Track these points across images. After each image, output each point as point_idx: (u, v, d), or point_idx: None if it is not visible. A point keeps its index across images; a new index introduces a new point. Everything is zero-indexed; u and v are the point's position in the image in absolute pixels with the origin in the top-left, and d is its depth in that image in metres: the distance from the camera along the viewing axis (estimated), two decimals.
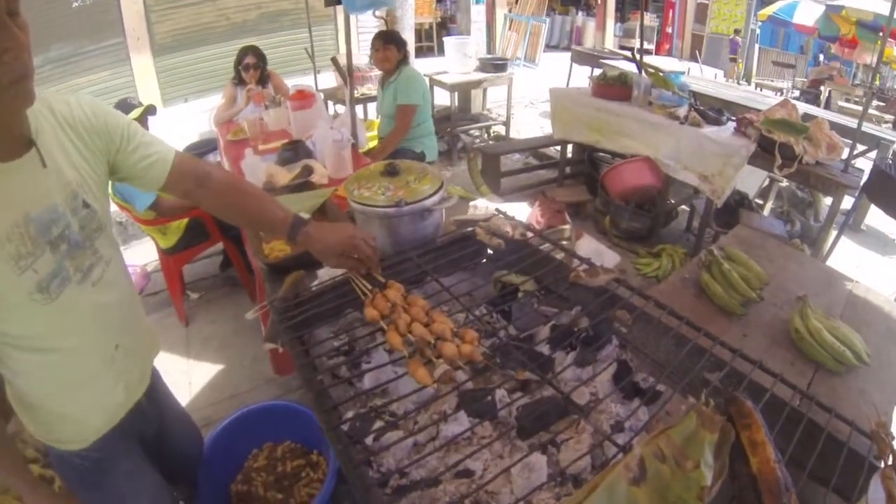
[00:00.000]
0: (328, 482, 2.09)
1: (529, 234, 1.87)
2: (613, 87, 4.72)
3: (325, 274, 1.88)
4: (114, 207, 4.13)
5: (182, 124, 7.09)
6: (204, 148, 6.20)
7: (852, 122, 4.65)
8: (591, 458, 1.20)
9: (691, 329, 1.41)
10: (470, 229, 1.92)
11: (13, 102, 1.06)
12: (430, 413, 1.35)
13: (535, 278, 1.71)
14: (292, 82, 5.15)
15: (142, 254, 4.84)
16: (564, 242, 3.24)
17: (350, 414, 1.32)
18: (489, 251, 1.91)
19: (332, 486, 2.07)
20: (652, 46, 13.39)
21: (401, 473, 1.18)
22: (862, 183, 3.55)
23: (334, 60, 4.56)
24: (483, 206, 4.41)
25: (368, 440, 1.25)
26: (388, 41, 4.21)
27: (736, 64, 11.15)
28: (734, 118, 4.15)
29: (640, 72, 4.75)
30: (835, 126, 3.86)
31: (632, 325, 1.48)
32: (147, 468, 1.66)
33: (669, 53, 13.81)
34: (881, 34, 7.48)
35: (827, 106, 8.55)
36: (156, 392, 1.73)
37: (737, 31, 12.04)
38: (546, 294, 1.74)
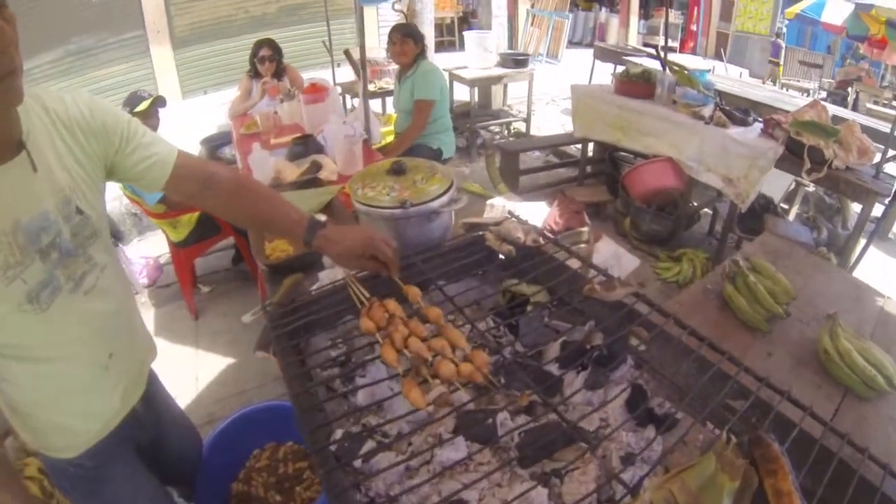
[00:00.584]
0: None
1: (542, 241, 1.76)
2: (637, 85, 4.59)
3: (326, 277, 1.79)
4: (126, 201, 4.13)
5: (201, 117, 7.08)
6: (219, 141, 6.20)
7: (882, 126, 4.49)
8: (598, 493, 1.10)
9: (714, 352, 1.30)
10: (480, 233, 1.83)
11: None
12: (425, 435, 1.25)
13: (547, 289, 1.61)
14: (311, 75, 5.09)
15: (156, 245, 4.84)
16: (582, 245, 3.13)
17: (339, 433, 1.23)
18: (501, 256, 1.81)
19: None
20: (676, 44, 13.14)
21: (390, 499, 1.09)
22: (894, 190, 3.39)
23: (347, 53, 4.48)
24: (500, 204, 4.30)
25: (357, 462, 1.16)
26: (405, 35, 4.12)
27: (777, 67, 10.82)
28: (761, 119, 4.00)
29: (664, 69, 4.61)
30: (864, 129, 3.69)
31: (649, 344, 1.38)
32: (142, 473, 1.61)
33: (694, 51, 13.53)
34: None
35: (854, 108, 8.32)
36: (153, 397, 1.67)
37: (778, 34, 11.72)
38: (558, 306, 1.64)
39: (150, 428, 1.65)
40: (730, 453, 0.99)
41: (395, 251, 1.43)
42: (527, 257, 1.69)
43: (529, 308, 1.58)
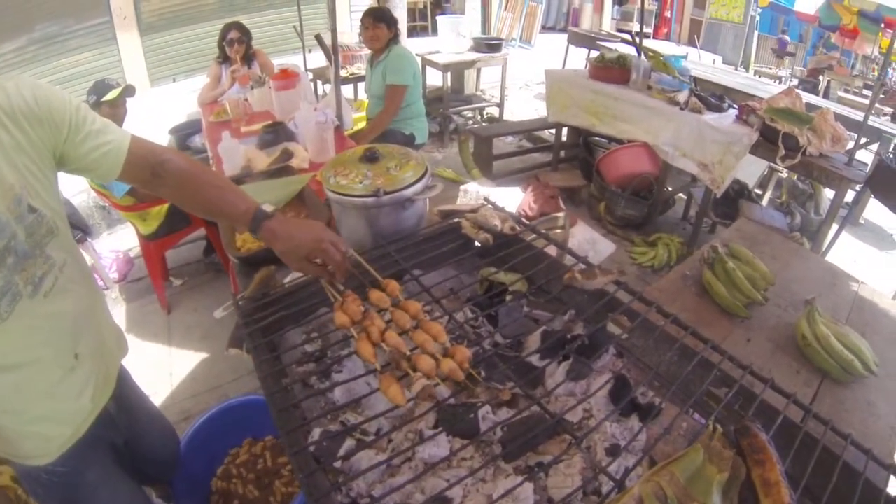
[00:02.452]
0: None
1: (519, 228, 1.72)
2: (611, 70, 4.56)
3: None
4: (93, 193, 4.01)
5: (170, 105, 6.93)
6: (189, 129, 6.06)
7: (854, 114, 4.55)
8: (582, 482, 1.07)
9: (696, 340, 1.28)
10: (455, 220, 1.78)
11: None
12: (406, 432, 1.21)
13: (525, 277, 1.57)
14: (282, 61, 4.99)
15: (126, 238, 4.71)
16: (558, 231, 3.11)
17: (317, 433, 1.19)
18: (477, 244, 1.76)
19: None
20: (650, 30, 13.21)
21: (372, 500, 1.05)
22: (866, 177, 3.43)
23: (318, 38, 4.38)
24: (474, 190, 4.27)
25: (337, 462, 1.12)
26: (377, 19, 4.05)
27: (782, 61, 10.84)
28: (736, 105, 4.01)
29: (639, 55, 4.59)
30: (836, 117, 3.72)
31: (631, 332, 1.35)
32: (117, 476, 1.56)
33: (667, 38, 13.62)
34: (883, 25, 7.42)
35: (825, 96, 8.45)
36: (124, 395, 1.61)
37: (784, 31, 11.77)
38: (537, 294, 1.60)
39: (123, 428, 1.60)
40: (717, 444, 0.98)
41: (344, 255, 1.34)
42: (504, 245, 1.66)
43: (509, 297, 1.54)
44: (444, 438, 1.16)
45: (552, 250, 1.66)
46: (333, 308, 1.26)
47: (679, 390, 1.18)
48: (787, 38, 11.57)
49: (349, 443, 1.18)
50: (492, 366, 1.25)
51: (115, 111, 3.34)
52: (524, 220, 1.76)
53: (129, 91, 3.38)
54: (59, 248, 1.23)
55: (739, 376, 1.19)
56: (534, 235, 1.69)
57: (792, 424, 1.13)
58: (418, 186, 1.76)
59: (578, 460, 1.10)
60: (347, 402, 1.28)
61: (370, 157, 1.83)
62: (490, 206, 1.81)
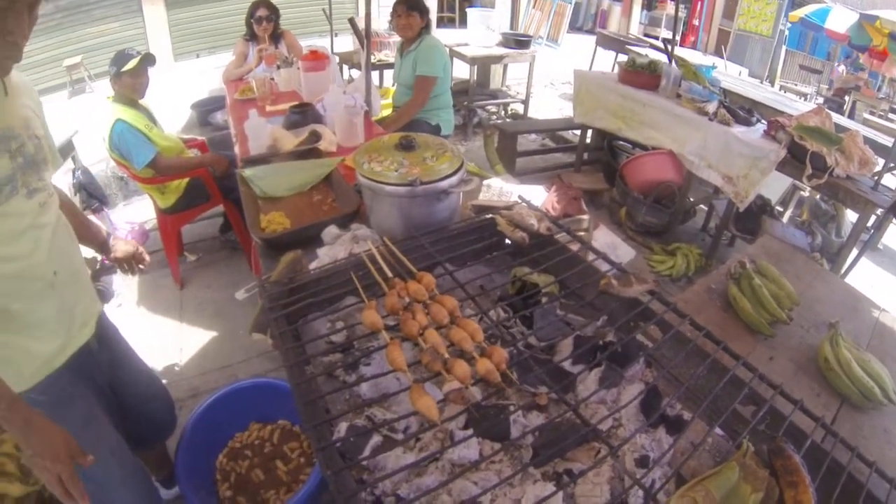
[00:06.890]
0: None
1: (555, 229, 1.69)
2: (642, 75, 4.53)
3: (326, 255, 1.72)
4: (112, 164, 4.00)
5: (193, 80, 6.92)
6: (211, 105, 6.04)
7: (880, 137, 4.51)
8: (612, 493, 1.06)
9: (728, 356, 1.26)
10: (489, 216, 1.76)
11: None
12: (435, 431, 1.18)
13: (559, 280, 1.55)
14: (309, 44, 4.96)
15: (141, 210, 4.72)
16: (582, 233, 3.09)
17: (343, 428, 1.17)
18: (507, 242, 1.74)
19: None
20: (677, 37, 13.11)
21: (397, 498, 1.04)
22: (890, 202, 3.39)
23: (352, 21, 4.36)
24: (497, 185, 4.25)
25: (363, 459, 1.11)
26: (411, 7, 3.99)
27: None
28: (764, 120, 3.97)
29: (670, 62, 4.55)
30: (864, 140, 3.67)
31: (662, 343, 1.34)
32: (103, 419, 1.60)
33: (694, 46, 13.50)
34: None
35: (850, 116, 8.36)
36: (107, 336, 1.72)
37: (863, 69, 11.46)
38: (569, 298, 1.57)
39: (104, 367, 1.67)
40: (751, 462, 0.96)
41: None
42: (538, 246, 1.64)
43: (544, 299, 1.52)
44: (474, 441, 1.14)
45: (587, 255, 1.64)
46: (365, 305, 1.24)
47: (707, 406, 1.16)
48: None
49: (376, 439, 1.16)
50: (525, 368, 1.23)
51: (137, 80, 3.27)
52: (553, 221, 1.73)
53: (149, 59, 3.29)
54: (49, 180, 1.45)
55: (769, 395, 1.18)
56: (568, 237, 1.67)
57: (816, 448, 1.11)
58: (454, 179, 1.74)
59: (606, 469, 1.08)
60: (373, 398, 1.26)
61: (406, 146, 1.80)
62: (525, 204, 1.79)
